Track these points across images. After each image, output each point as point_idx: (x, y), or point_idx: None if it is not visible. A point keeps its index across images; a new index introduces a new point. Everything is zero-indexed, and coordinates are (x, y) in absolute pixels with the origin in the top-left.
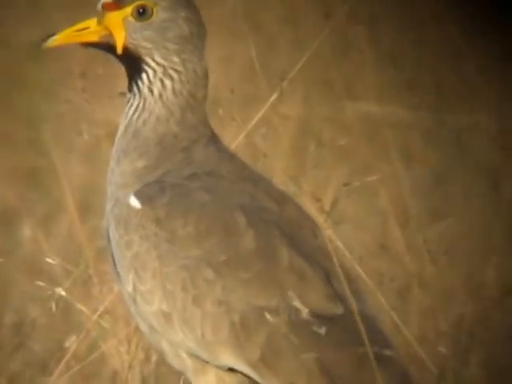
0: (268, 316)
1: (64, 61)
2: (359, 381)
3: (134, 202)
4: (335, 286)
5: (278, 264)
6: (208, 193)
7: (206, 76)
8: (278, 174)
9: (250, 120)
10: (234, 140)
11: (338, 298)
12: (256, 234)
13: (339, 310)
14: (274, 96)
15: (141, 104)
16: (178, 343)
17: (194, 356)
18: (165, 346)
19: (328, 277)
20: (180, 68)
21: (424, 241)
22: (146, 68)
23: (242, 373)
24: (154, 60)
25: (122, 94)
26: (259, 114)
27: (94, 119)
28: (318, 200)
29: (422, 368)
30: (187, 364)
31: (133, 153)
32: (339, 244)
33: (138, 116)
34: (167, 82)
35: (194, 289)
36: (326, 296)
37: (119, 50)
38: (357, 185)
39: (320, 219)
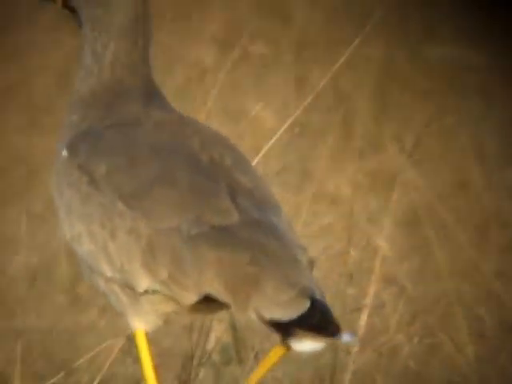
0: (169, 236)
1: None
2: (250, 279)
3: (64, 153)
4: (238, 201)
5: (177, 188)
6: (122, 136)
7: (136, 28)
8: (361, 116)
9: (334, 63)
10: (318, 83)
11: (236, 210)
12: (159, 164)
13: (234, 219)
14: (358, 40)
15: (81, 58)
16: (109, 279)
17: (126, 289)
18: (102, 285)
19: (231, 195)
20: (107, 20)
21: (502, 179)
22: (83, 22)
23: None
24: (84, 13)
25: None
26: (343, 58)
27: (185, 60)
28: (400, 141)
29: (500, 304)
30: (122, 300)
31: (70, 107)
32: (420, 182)
33: (79, 70)
34: (96, 35)
35: (109, 224)
36: (221, 209)
37: (58, 4)
38: (437, 125)
39: (401, 159)
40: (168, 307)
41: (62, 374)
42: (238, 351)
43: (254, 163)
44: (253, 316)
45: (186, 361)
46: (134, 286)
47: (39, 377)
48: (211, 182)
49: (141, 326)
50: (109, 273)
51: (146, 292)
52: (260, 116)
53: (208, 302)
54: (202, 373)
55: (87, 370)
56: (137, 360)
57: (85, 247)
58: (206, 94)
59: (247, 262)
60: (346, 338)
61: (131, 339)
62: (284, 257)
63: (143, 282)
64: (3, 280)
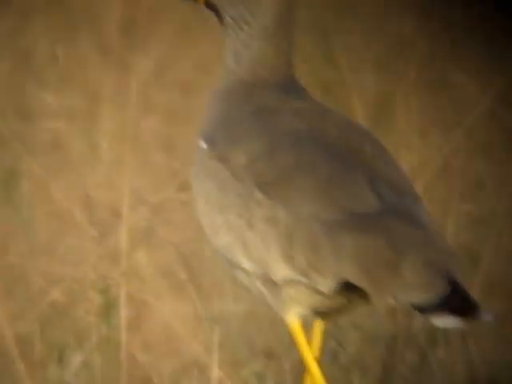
0: (307, 224)
1: None
2: (389, 265)
3: (202, 144)
4: (377, 189)
5: (315, 176)
6: (260, 124)
7: (279, 31)
8: None
9: None
10: None
11: (375, 197)
12: (297, 152)
13: (373, 206)
14: None
15: (225, 54)
16: (249, 273)
17: (266, 282)
18: (244, 281)
19: (370, 182)
20: (250, 21)
21: None
22: (224, 21)
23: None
24: (226, 13)
25: None
26: None
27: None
28: None
29: None
30: (265, 294)
31: (209, 104)
32: None
33: (222, 65)
34: (238, 35)
35: (247, 213)
36: (360, 196)
37: (202, 3)
38: None
39: None
40: (310, 298)
41: (261, 359)
42: (444, 332)
43: None
44: (392, 302)
45: (391, 343)
46: (273, 276)
47: (237, 363)
48: (350, 169)
49: (291, 318)
50: (246, 265)
51: (286, 282)
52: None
53: (348, 292)
54: (407, 355)
55: (289, 356)
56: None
57: (223, 239)
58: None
59: (385, 248)
60: (485, 317)
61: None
62: (423, 241)
63: (282, 271)
64: (199, 265)
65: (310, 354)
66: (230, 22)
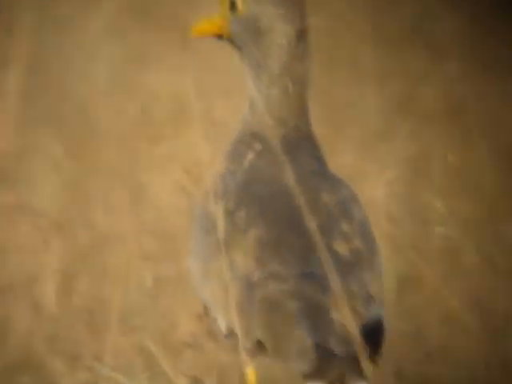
0: (239, 283)
1: None
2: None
3: (203, 192)
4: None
5: (256, 236)
6: (235, 181)
7: (288, 77)
8: None
9: None
10: None
11: (303, 263)
12: (251, 209)
13: (296, 269)
14: None
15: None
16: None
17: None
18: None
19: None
20: (261, 62)
21: None
22: (244, 60)
23: None
24: (243, 53)
25: None
26: None
27: None
28: None
29: None
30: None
31: (224, 153)
32: None
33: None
34: (251, 76)
35: (207, 266)
36: (287, 260)
37: (228, 42)
38: None
39: None
40: (248, 358)
41: None
42: None
43: None
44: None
45: None
46: (220, 329)
47: None
48: (295, 232)
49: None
50: (210, 312)
51: (230, 336)
52: None
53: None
54: None
55: None
56: None
57: (195, 282)
58: None
59: (288, 316)
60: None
61: None
62: (318, 312)
63: (222, 326)
64: None
65: None
66: (247, 63)
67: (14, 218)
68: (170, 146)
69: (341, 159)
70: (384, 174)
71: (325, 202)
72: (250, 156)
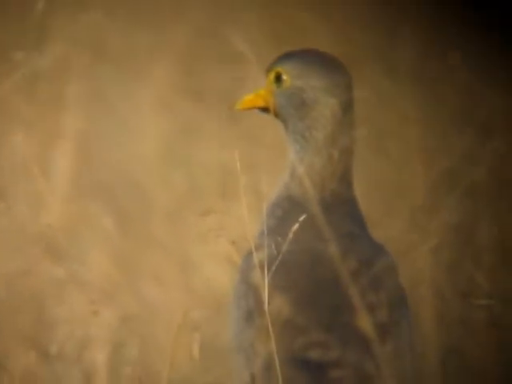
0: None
1: None
2: None
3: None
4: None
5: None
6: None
7: (332, 143)
8: None
9: None
10: None
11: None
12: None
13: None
14: None
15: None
16: None
17: None
18: None
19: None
20: (306, 135)
21: None
22: (287, 132)
23: None
24: (288, 125)
25: None
26: None
27: None
28: None
29: None
30: None
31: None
32: None
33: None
34: (295, 148)
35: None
36: (317, 343)
37: (273, 114)
38: None
39: None
40: None
41: None
42: None
43: None
44: None
45: None
46: None
47: None
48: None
49: None
50: None
51: None
52: None
53: None
54: None
55: None
56: None
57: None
58: None
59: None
60: None
61: None
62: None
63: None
64: None
65: None
66: (291, 135)
67: (65, 290)
68: (218, 218)
69: (388, 232)
70: (428, 243)
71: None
72: (294, 227)
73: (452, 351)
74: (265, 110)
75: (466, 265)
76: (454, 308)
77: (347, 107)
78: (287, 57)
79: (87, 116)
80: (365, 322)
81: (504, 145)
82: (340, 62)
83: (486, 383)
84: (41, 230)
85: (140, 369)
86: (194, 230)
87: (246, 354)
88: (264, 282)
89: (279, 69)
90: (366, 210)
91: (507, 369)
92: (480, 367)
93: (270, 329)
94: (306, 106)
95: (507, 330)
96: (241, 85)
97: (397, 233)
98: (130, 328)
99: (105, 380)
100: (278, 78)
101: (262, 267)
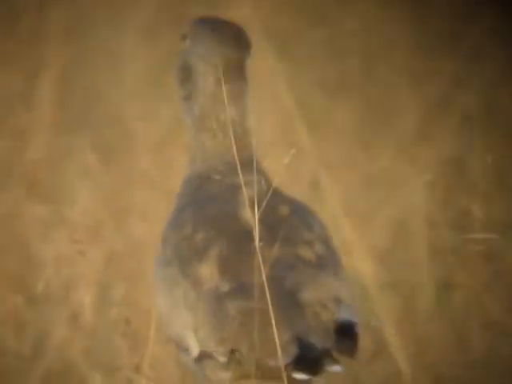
0: (207, 297)
1: None
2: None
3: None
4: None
5: (216, 256)
6: (194, 212)
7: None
8: None
9: None
10: None
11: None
12: (208, 235)
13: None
14: None
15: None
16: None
17: (198, 362)
18: (187, 361)
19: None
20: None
21: None
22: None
23: None
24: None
25: None
26: None
27: None
28: None
29: None
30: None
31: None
32: None
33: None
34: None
35: (172, 296)
36: (249, 268)
37: None
38: None
39: None
40: (225, 373)
41: None
42: None
43: None
44: (265, 364)
45: None
46: (192, 354)
47: None
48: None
49: None
50: (174, 343)
51: (202, 359)
52: None
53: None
54: None
55: None
56: None
57: (163, 320)
58: None
59: (261, 314)
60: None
61: None
62: (287, 311)
63: (195, 348)
64: None
65: None
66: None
67: (50, 228)
68: None
69: (379, 164)
70: (422, 177)
71: (283, 214)
72: (202, 185)
73: (445, 283)
74: None
75: (461, 197)
76: (447, 240)
77: (228, 80)
78: (196, 21)
79: (70, 45)
80: (307, 253)
81: (493, 69)
82: (240, 37)
83: (481, 312)
84: (25, 169)
85: (127, 309)
86: (179, 163)
87: None
88: (255, 219)
89: (187, 31)
90: (356, 139)
91: (504, 298)
92: (476, 298)
93: (262, 266)
94: (186, 70)
95: (502, 260)
96: (224, 13)
97: (388, 163)
98: (117, 267)
99: (92, 321)
100: (183, 38)
101: (252, 204)
